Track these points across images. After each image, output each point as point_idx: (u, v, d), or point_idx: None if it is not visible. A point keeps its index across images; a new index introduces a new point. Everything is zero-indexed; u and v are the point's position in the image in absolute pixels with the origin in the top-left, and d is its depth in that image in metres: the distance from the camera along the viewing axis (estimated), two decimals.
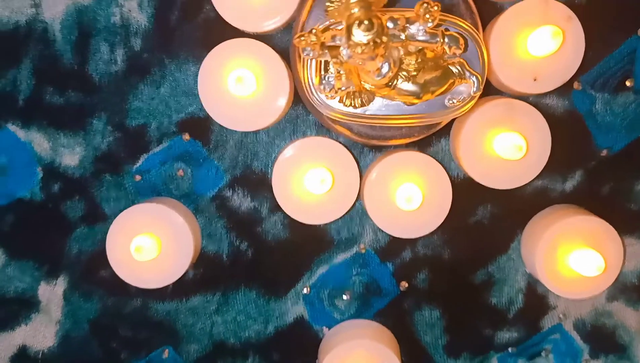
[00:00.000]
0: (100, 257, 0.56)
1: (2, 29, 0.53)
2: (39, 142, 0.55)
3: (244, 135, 0.55)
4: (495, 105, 0.51)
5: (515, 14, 0.49)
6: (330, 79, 0.44)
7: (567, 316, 0.57)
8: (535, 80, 0.50)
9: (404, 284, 0.57)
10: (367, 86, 0.45)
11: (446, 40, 0.42)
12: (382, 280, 0.57)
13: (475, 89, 0.45)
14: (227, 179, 0.55)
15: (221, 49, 0.50)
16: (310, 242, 0.56)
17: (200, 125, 0.54)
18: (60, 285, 0.57)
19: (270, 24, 0.50)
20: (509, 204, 0.56)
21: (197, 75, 0.52)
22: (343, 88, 0.43)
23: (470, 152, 0.52)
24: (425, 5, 0.38)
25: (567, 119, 0.54)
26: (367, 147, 0.55)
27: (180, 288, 0.57)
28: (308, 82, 0.46)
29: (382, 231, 0.55)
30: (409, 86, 0.44)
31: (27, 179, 0.55)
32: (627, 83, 0.53)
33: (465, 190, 0.55)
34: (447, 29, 0.42)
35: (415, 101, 0.45)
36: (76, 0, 0.52)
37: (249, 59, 0.49)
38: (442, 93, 0.45)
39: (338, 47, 0.40)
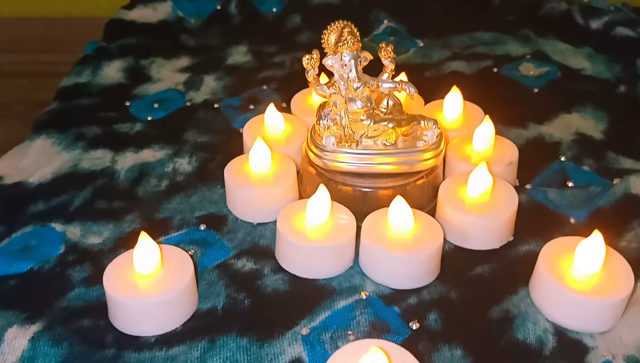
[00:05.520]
0: (86, 311, 0.53)
1: (80, 173, 0.70)
2: (73, 230, 0.62)
3: (254, 226, 0.63)
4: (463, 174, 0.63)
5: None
6: (327, 111, 0.61)
7: (615, 356, 0.49)
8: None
9: (415, 323, 0.51)
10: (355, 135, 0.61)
11: (404, 85, 0.62)
12: (390, 320, 0.51)
13: (435, 127, 0.61)
14: (234, 252, 0.59)
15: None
16: (311, 293, 0.55)
17: (217, 220, 0.63)
18: (32, 329, 0.51)
19: None
20: (504, 265, 0.57)
21: (223, 195, 0.66)
22: (338, 113, 0.60)
23: (451, 213, 0.59)
24: (383, 46, 0.61)
25: (530, 205, 0.63)
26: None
27: (164, 338, 0.51)
28: (312, 142, 0.62)
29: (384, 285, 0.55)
30: (384, 122, 0.61)
31: (46, 254, 0.59)
32: (569, 183, 0.66)
33: (456, 258, 0.58)
34: (402, 80, 0.62)
35: (390, 133, 0.60)
36: (144, 159, 0.72)
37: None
38: (409, 130, 0.61)
39: (331, 80, 0.61)
